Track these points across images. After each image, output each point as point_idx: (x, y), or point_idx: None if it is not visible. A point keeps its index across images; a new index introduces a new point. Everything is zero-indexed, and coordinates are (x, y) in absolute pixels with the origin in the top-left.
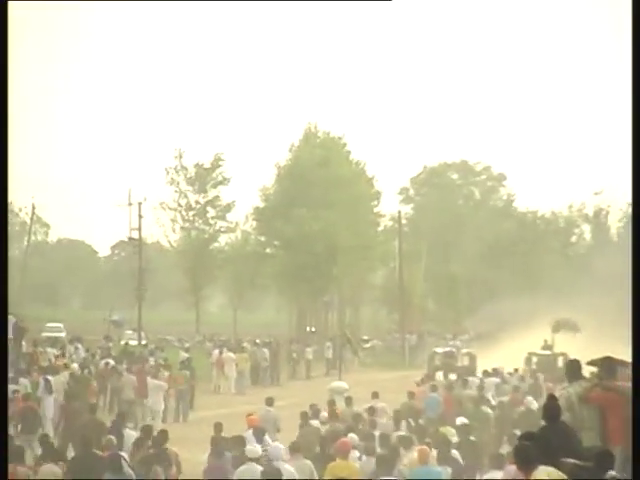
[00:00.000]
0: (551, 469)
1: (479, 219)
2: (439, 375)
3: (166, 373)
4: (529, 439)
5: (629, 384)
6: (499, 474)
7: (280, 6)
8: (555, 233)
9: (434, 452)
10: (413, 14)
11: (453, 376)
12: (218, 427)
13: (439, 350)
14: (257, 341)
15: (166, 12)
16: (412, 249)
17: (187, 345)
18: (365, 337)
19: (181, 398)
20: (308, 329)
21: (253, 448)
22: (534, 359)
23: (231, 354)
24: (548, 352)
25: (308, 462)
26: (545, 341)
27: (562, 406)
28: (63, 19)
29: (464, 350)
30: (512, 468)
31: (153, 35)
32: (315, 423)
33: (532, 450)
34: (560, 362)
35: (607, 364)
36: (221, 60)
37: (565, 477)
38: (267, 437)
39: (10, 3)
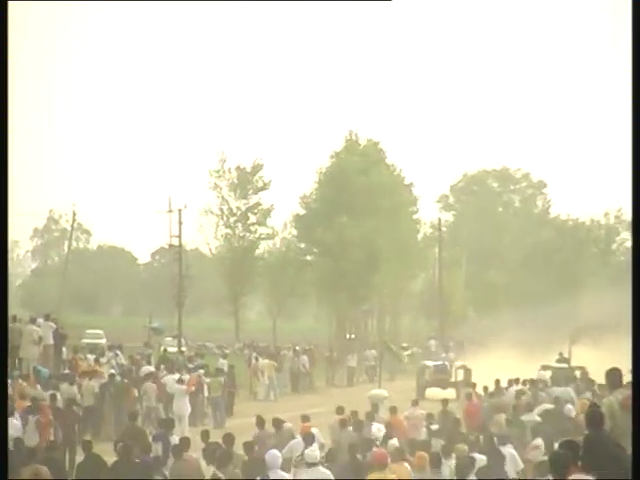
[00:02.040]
0: (584, 477)
1: (519, 226)
2: (430, 392)
3: (207, 379)
4: (566, 447)
5: None
6: None
7: (319, 15)
8: (595, 240)
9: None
10: (452, 26)
11: (450, 391)
12: (228, 438)
13: (429, 363)
14: (296, 348)
15: (208, 11)
16: (452, 256)
17: (227, 352)
18: (404, 344)
19: (215, 405)
20: (347, 336)
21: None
22: (548, 373)
23: (265, 361)
24: (564, 365)
25: (326, 472)
26: (560, 354)
27: (604, 414)
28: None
29: (458, 363)
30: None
31: (194, 37)
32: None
33: (566, 458)
34: (578, 376)
35: (612, 375)
36: (262, 65)
37: None
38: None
39: (10, 3)
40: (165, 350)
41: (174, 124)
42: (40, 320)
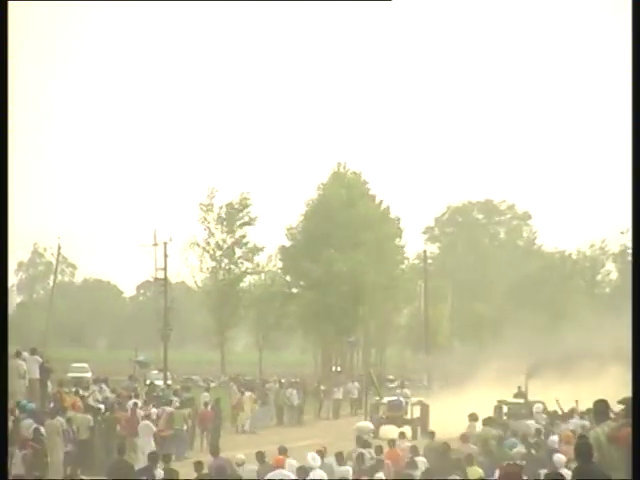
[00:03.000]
0: None
1: (504, 258)
2: (384, 430)
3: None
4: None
5: None
6: None
7: (309, 41)
8: (581, 272)
9: None
10: (440, 49)
11: (406, 429)
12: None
13: (384, 400)
14: (282, 381)
15: (192, 35)
16: (437, 288)
17: (212, 385)
18: (391, 377)
19: (178, 438)
20: (334, 369)
21: None
22: (504, 408)
23: (247, 394)
24: (521, 400)
25: None
26: (519, 388)
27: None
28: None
29: (414, 399)
30: None
31: (179, 67)
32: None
33: None
34: (537, 410)
35: (599, 406)
36: (250, 99)
37: None
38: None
39: (10, 3)
40: (151, 383)
41: (159, 158)
42: (26, 354)
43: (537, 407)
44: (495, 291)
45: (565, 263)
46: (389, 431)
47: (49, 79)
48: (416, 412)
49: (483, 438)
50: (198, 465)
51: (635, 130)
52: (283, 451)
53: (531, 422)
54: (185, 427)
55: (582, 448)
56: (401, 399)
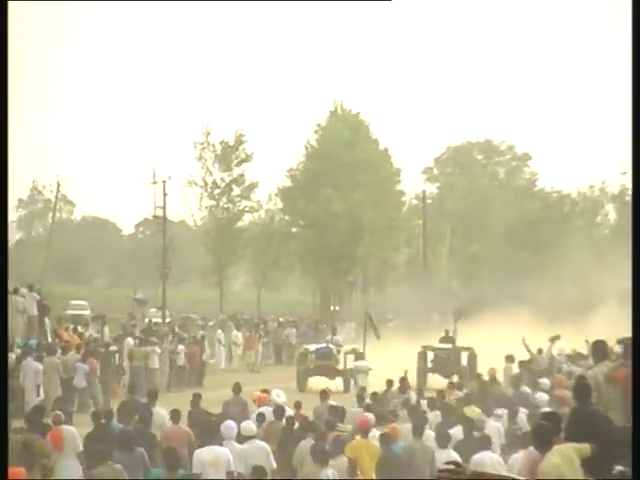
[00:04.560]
0: (564, 446)
1: (503, 199)
2: (314, 382)
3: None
4: (548, 419)
5: None
6: (521, 453)
7: None
8: (580, 213)
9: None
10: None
11: (338, 381)
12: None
13: (311, 347)
14: (280, 320)
15: None
16: (436, 229)
17: (210, 323)
18: (389, 316)
19: (134, 374)
20: (332, 308)
21: (247, 425)
22: (429, 355)
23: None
24: (448, 345)
25: (263, 444)
26: (446, 331)
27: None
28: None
29: (347, 347)
30: (532, 449)
31: (179, 15)
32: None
33: (548, 429)
34: (464, 360)
35: (597, 347)
36: (248, 38)
37: (579, 453)
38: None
39: (10, 3)
40: (150, 321)
41: (158, 96)
42: (24, 290)
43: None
44: (494, 231)
45: (564, 204)
46: (318, 383)
47: (72, 55)
48: (349, 362)
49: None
50: (196, 396)
51: (635, 129)
52: (266, 391)
53: None
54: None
55: (580, 389)
56: (331, 346)
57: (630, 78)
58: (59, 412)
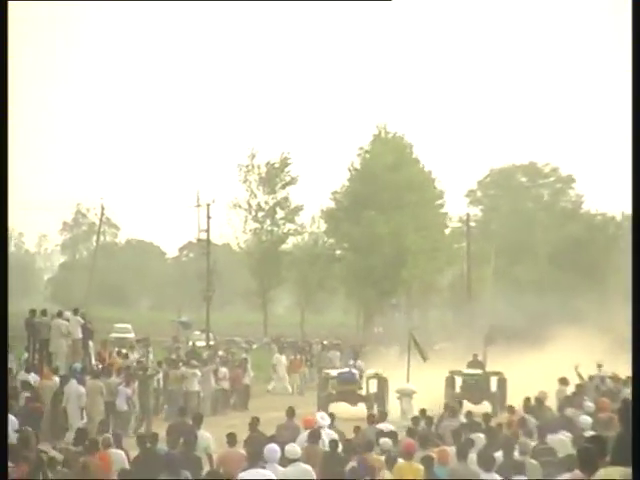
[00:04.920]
0: (612, 469)
1: (547, 221)
2: (335, 408)
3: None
4: (593, 442)
5: None
6: (567, 475)
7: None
8: (624, 236)
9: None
10: (480, 22)
11: (361, 407)
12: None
13: (333, 372)
14: (324, 342)
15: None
16: (480, 251)
17: (254, 346)
18: (434, 339)
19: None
20: (376, 330)
21: (292, 448)
22: (457, 380)
23: (282, 357)
24: (477, 371)
25: (307, 468)
26: (474, 356)
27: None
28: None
29: (370, 371)
30: (578, 472)
31: (211, 30)
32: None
33: (594, 452)
34: (494, 385)
35: None
36: (292, 60)
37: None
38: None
39: (10, 3)
40: (194, 345)
41: (203, 119)
42: (68, 314)
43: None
44: (538, 254)
45: (608, 226)
46: (341, 409)
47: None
48: (372, 387)
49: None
50: (254, 420)
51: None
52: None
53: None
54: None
55: (626, 413)
56: (354, 371)
57: None
58: (108, 435)
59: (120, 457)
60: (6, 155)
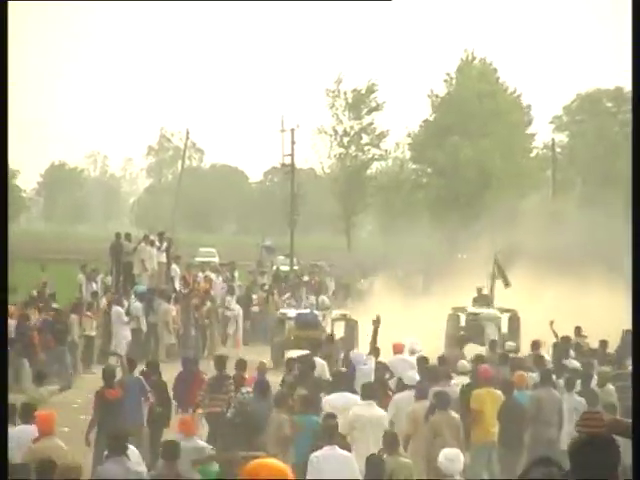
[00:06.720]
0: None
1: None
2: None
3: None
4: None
5: None
6: None
7: None
8: None
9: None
10: None
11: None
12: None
13: (290, 312)
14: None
15: None
16: (566, 177)
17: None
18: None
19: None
20: (459, 256)
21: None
22: (461, 317)
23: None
24: (484, 310)
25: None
26: (479, 290)
27: None
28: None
29: (337, 312)
30: None
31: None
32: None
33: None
34: (505, 325)
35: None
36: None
37: None
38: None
39: (10, 3)
40: (278, 269)
41: (289, 45)
42: (153, 238)
43: None
44: (625, 180)
45: None
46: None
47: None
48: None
49: None
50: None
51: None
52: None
53: None
54: None
55: None
56: (315, 312)
57: None
58: None
59: None
60: (6, 155)
